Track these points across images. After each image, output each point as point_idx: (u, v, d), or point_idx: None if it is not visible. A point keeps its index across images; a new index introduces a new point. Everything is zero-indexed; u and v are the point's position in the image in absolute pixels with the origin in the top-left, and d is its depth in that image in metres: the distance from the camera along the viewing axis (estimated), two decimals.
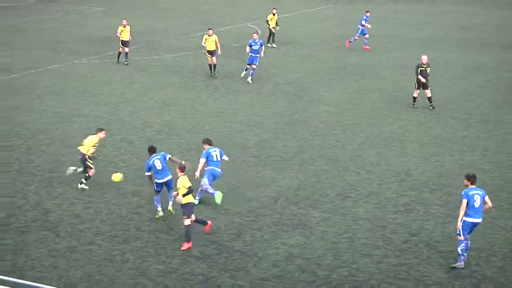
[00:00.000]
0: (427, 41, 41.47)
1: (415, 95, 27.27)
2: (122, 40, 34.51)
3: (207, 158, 18.51)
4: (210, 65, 32.44)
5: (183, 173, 16.38)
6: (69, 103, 27.95)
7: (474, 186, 15.27)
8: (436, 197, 19.09)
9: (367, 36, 39.28)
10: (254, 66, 31.28)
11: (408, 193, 19.34)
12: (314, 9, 57.69)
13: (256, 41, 31.13)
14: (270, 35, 40.21)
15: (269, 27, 40.17)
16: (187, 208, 16.23)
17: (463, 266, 15.17)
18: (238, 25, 48.01)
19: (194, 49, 38.95)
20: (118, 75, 32.82)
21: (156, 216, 17.77)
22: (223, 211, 18.11)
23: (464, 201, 15.02)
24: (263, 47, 31.43)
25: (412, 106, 27.37)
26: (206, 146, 18.80)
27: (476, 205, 15.03)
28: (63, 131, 24.55)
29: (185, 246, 16.11)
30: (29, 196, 18.90)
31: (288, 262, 15.57)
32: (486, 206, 15.29)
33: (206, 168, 18.54)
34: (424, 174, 20.77)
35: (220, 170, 18.71)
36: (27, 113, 26.56)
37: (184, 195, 16.11)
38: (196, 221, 16.49)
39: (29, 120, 25.66)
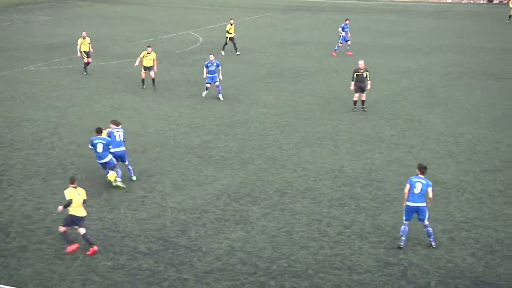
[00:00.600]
0: (358, 47, 42.04)
1: (355, 98, 27.52)
2: (83, 51, 33.65)
3: (109, 137, 19.39)
4: (143, 79, 30.71)
5: (72, 185, 15.80)
6: (18, 108, 27.34)
7: (422, 176, 15.91)
8: (366, 191, 19.39)
9: (349, 42, 39.88)
10: (217, 83, 28.98)
11: (341, 189, 19.59)
12: (252, 17, 57.86)
13: (213, 61, 28.86)
14: (225, 44, 39.69)
15: (227, 37, 39.47)
16: (66, 219, 15.64)
17: (402, 246, 15.83)
18: (180, 33, 47.78)
19: (139, 56, 38.54)
20: (65, 81, 32.27)
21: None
22: (168, 209, 18.01)
23: (407, 186, 15.82)
24: (219, 67, 29.06)
25: (353, 109, 27.53)
26: (112, 126, 19.69)
27: (416, 191, 15.71)
28: (13, 136, 23.97)
29: (69, 249, 15.52)
30: None
31: (231, 255, 15.58)
32: (428, 200, 15.86)
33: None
34: (355, 170, 21.07)
35: (121, 149, 19.47)
36: None
37: (64, 206, 15.54)
38: (83, 236, 15.65)
39: None
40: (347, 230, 16.89)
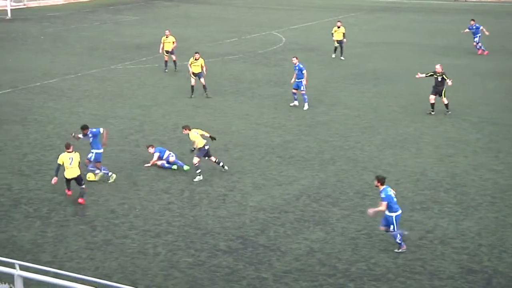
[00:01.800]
0: (440, 49, 41.05)
1: (431, 101, 26.88)
2: (166, 50, 34.34)
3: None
4: (192, 86, 29.39)
5: (68, 150, 18.19)
6: (105, 106, 28.13)
7: (385, 186, 15.69)
8: (450, 196, 18.88)
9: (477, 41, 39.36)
10: (302, 91, 27.60)
11: (423, 192, 19.15)
12: (335, 18, 57.41)
13: (296, 65, 27.72)
14: (336, 48, 38.19)
15: (334, 40, 38.01)
16: (65, 183, 18.58)
17: (405, 249, 15.63)
18: (263, 33, 47.98)
19: (222, 55, 39.03)
20: (151, 79, 32.96)
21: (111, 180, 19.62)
22: (248, 208, 18.09)
23: (385, 203, 15.47)
24: (304, 72, 27.58)
25: (430, 112, 26.87)
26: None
27: (395, 199, 15.70)
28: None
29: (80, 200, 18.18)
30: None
31: (310, 256, 15.50)
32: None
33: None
34: (439, 174, 20.56)
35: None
36: (67, 114, 26.78)
37: (56, 175, 18.41)
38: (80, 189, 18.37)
39: (68, 121, 25.86)
40: (429, 235, 16.49)
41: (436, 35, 45.99)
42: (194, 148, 20.54)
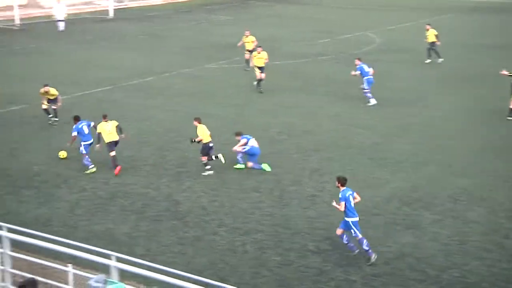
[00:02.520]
0: None
1: (511, 106, 25.69)
2: (247, 49, 34.87)
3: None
4: (259, 79, 30.51)
5: (104, 120, 20.63)
6: (199, 104, 28.60)
7: (345, 188, 15.33)
8: None
9: None
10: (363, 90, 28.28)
11: None
12: (430, 19, 56.09)
13: (358, 66, 28.13)
14: (429, 50, 36.76)
15: (428, 42, 36.72)
16: (107, 146, 20.61)
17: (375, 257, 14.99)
18: (357, 34, 47.47)
19: (314, 56, 38.91)
20: (244, 79, 33.24)
21: (88, 172, 20.39)
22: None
23: (343, 203, 15.11)
24: (358, 73, 28.05)
25: (507, 117, 25.76)
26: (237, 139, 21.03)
27: (352, 204, 15.21)
28: (193, 130, 25.06)
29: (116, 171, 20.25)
30: (161, 188, 19.48)
31: (400, 260, 15.20)
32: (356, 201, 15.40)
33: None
34: None
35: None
36: (162, 112, 27.43)
37: (97, 142, 20.70)
38: (112, 157, 20.41)
39: (164, 118, 26.48)
40: None
41: None
42: (194, 140, 20.94)
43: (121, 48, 42.12)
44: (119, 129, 20.83)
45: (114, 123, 20.79)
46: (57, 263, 11.98)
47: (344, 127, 25.37)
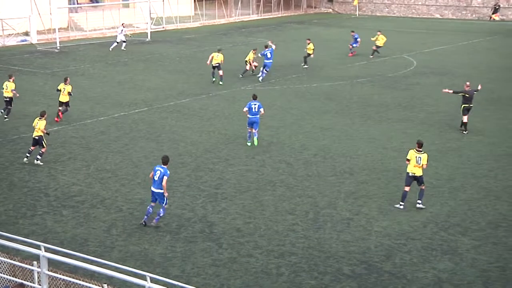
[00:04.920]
0: None
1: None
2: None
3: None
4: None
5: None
6: (235, 126, 28.76)
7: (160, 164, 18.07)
8: None
9: None
10: None
11: None
12: (470, 41, 55.70)
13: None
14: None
15: None
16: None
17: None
18: (394, 56, 47.32)
19: (351, 78, 38.89)
20: (279, 100, 33.36)
21: None
22: (373, 233, 17.81)
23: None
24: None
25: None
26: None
27: (156, 178, 17.89)
28: (228, 151, 25.26)
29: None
30: (196, 210, 19.59)
31: (437, 286, 15.00)
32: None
33: None
34: None
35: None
36: (198, 133, 27.64)
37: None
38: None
39: (199, 140, 26.68)
40: None
41: None
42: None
43: (158, 70, 42.65)
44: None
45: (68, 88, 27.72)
46: (93, 283, 12.10)
47: (380, 150, 25.23)
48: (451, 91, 28.15)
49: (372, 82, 38.29)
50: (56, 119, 28.54)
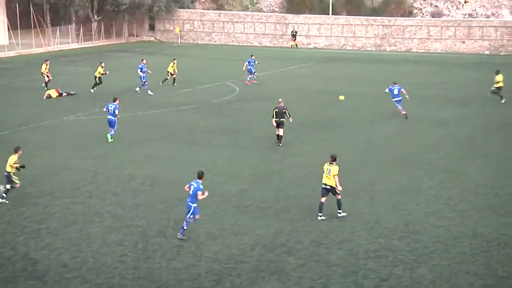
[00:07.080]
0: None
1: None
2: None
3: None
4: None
5: None
6: (59, 157, 27.72)
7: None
8: (404, 243, 19.01)
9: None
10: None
11: (378, 240, 19.25)
12: (287, 68, 58.36)
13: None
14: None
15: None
16: None
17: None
18: (217, 83, 48.33)
19: (175, 105, 39.10)
20: (104, 130, 32.65)
21: None
22: (203, 258, 17.89)
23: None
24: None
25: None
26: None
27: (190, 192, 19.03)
28: (52, 184, 24.26)
29: None
30: (17, 247, 18.52)
31: None
32: None
33: None
34: (392, 222, 20.73)
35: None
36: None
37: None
38: None
39: (21, 173, 25.28)
40: (385, 283, 16.53)
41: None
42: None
43: None
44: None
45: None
46: None
47: (208, 176, 25.23)
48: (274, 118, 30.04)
49: (198, 109, 38.79)
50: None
